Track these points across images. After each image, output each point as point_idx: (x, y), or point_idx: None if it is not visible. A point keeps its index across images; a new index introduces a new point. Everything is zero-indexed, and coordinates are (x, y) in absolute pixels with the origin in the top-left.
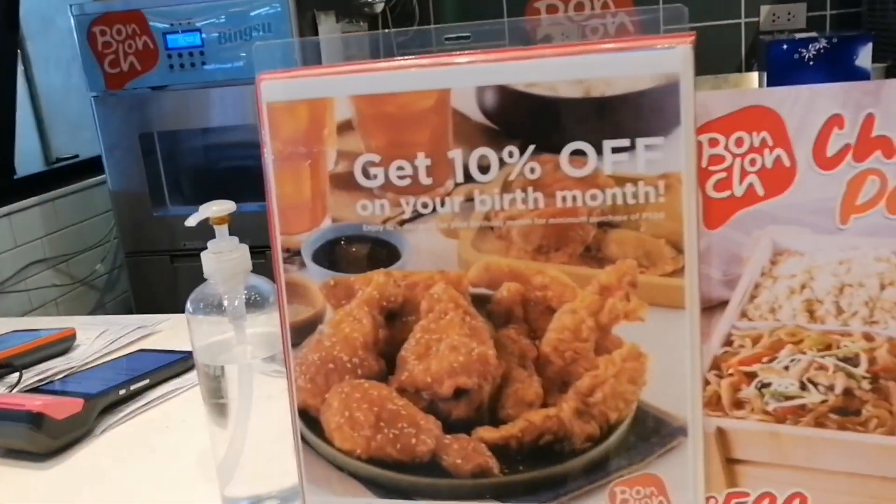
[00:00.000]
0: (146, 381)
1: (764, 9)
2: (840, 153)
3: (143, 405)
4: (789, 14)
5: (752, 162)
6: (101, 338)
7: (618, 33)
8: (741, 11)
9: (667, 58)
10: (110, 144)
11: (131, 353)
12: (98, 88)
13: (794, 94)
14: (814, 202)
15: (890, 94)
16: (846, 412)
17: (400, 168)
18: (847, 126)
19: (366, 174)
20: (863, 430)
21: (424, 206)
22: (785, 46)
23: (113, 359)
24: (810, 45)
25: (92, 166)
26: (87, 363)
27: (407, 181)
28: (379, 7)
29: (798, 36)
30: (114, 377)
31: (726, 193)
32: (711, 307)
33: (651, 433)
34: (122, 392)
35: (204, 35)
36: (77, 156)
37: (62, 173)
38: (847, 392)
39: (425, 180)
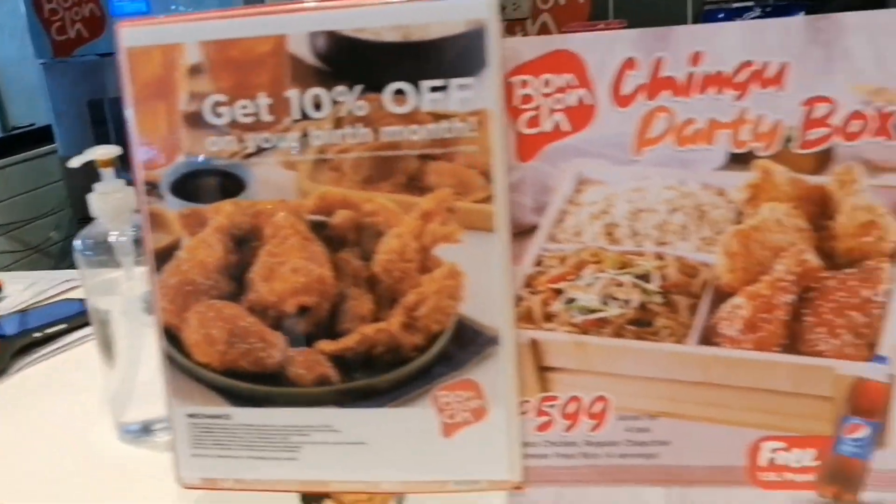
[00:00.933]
0: (64, 326)
1: None
2: (634, 92)
3: (59, 347)
4: None
5: (558, 101)
6: (28, 290)
7: (568, 2)
8: None
9: (474, 5)
10: (60, 112)
11: (55, 301)
12: (46, 56)
13: (595, 39)
14: (612, 136)
15: (678, 38)
16: (641, 323)
17: (244, 107)
18: (640, 67)
19: (214, 113)
20: (655, 339)
21: (266, 141)
22: (721, 15)
23: (35, 306)
24: (745, 14)
25: (47, 134)
26: (11, 311)
27: (250, 119)
28: None
29: (735, 5)
30: (32, 321)
31: (536, 130)
32: (524, 231)
33: (469, 343)
34: (37, 335)
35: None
36: (33, 124)
37: (16, 141)
38: (642, 306)
39: (266, 118)
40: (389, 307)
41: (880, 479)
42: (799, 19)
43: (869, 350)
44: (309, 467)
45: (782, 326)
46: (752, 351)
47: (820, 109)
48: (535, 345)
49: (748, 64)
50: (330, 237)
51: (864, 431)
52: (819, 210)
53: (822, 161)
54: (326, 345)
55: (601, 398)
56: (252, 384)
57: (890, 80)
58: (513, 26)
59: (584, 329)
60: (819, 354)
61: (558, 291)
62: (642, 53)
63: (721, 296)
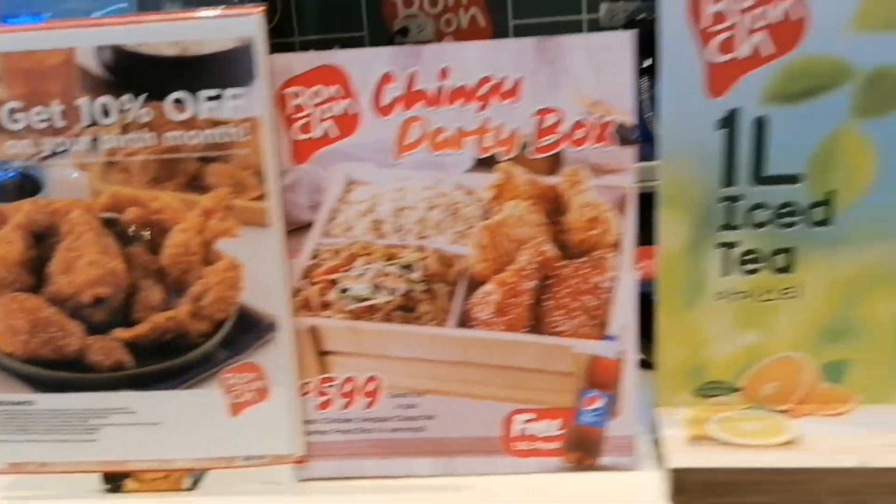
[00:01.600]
0: None
1: (603, 6)
2: (392, 103)
3: None
4: (625, 11)
5: (327, 110)
6: None
7: (470, 25)
8: (583, 9)
9: (243, 24)
10: None
11: None
12: None
13: (357, 55)
14: (375, 142)
15: (429, 55)
16: (406, 309)
17: (38, 114)
18: (397, 81)
19: (11, 119)
20: (419, 323)
21: (60, 145)
22: None
23: None
24: None
25: None
26: None
27: (45, 124)
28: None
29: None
30: None
31: (308, 136)
32: (301, 227)
33: (250, 329)
34: None
35: None
36: None
37: None
38: (406, 294)
39: (60, 124)
40: (178, 297)
41: (615, 444)
42: (529, 40)
43: (601, 330)
44: (108, 449)
45: (528, 310)
46: (503, 332)
47: (550, 119)
48: (313, 330)
49: (487, 79)
50: (121, 232)
51: (600, 403)
52: (554, 207)
53: (554, 164)
54: (121, 332)
55: (373, 378)
56: (53, 371)
57: (606, 94)
58: None
59: (356, 315)
60: (559, 334)
61: (333, 282)
62: (399, 69)
63: (474, 283)
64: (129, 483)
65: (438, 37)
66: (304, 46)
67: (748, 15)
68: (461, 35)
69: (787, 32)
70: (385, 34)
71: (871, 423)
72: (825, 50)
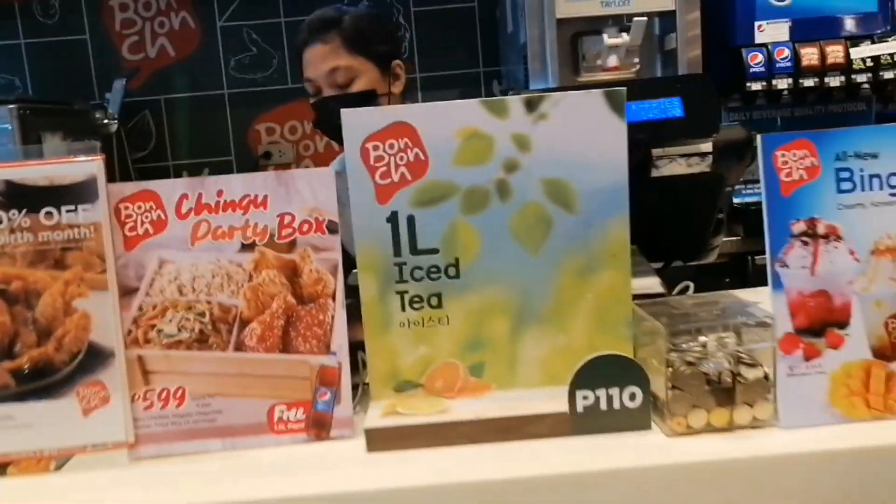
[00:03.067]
0: None
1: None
2: (188, 211)
3: None
4: None
5: (146, 219)
6: None
7: (325, 150)
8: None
9: (89, 166)
10: None
11: None
12: None
13: (165, 183)
14: (178, 236)
15: (210, 183)
16: (201, 341)
17: None
18: (190, 198)
19: None
20: (210, 350)
21: None
22: None
23: None
24: None
25: None
26: None
27: None
28: (113, 127)
29: None
30: None
31: (134, 233)
32: (131, 291)
33: (97, 358)
34: None
35: None
36: None
37: None
38: (200, 331)
39: None
40: (46, 338)
41: (339, 423)
42: (272, 173)
43: (327, 349)
44: None
45: (279, 339)
46: (264, 353)
47: (287, 219)
48: (139, 358)
49: (247, 196)
50: (8, 297)
51: (328, 396)
52: (292, 273)
53: (291, 246)
54: (7, 363)
55: (181, 388)
56: None
57: (319, 203)
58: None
59: (168, 347)
60: (300, 353)
61: (153, 325)
62: (191, 191)
63: (244, 323)
64: (11, 469)
65: (298, 159)
66: (178, 169)
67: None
68: (318, 158)
69: (418, 167)
70: (250, 158)
71: (498, 400)
72: (440, 177)
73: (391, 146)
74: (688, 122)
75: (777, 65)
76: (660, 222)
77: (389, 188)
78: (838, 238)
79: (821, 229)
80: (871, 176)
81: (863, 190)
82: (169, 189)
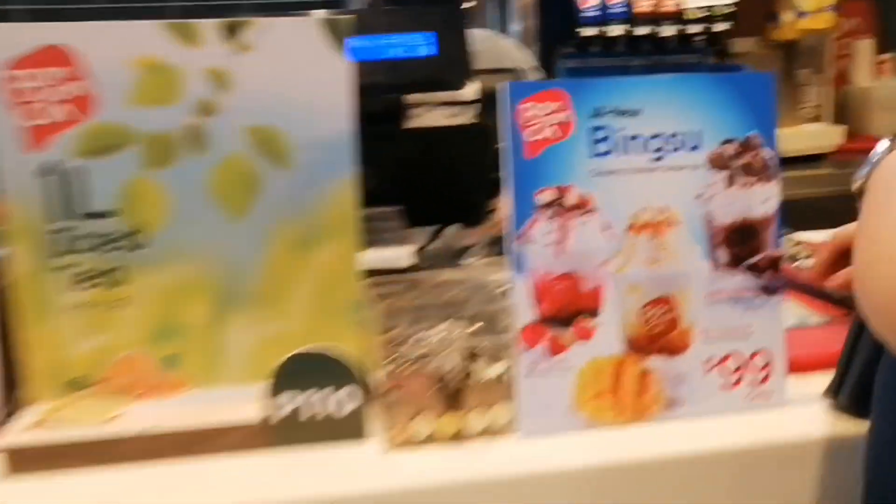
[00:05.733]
0: None
1: None
2: None
3: None
4: None
5: None
6: None
7: None
8: None
9: None
10: None
11: None
12: None
13: None
14: None
15: None
16: None
17: None
18: None
19: None
20: None
21: None
22: None
23: None
24: None
25: None
26: None
27: None
28: None
29: None
30: None
31: None
32: None
33: None
34: None
35: None
36: None
37: None
38: None
39: None
40: None
41: None
42: None
43: None
44: None
45: None
46: None
47: None
48: None
49: None
50: None
51: None
52: None
53: None
54: None
55: None
56: None
57: None
58: None
59: None
60: None
61: None
62: None
63: None
64: None
65: None
66: None
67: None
68: None
69: (82, 104)
70: None
71: (192, 402)
72: (113, 119)
73: (45, 76)
74: (438, 64)
75: (610, 10)
76: (422, 181)
77: (43, 130)
78: (591, 210)
79: (571, 199)
80: (631, 137)
81: (621, 153)
82: None
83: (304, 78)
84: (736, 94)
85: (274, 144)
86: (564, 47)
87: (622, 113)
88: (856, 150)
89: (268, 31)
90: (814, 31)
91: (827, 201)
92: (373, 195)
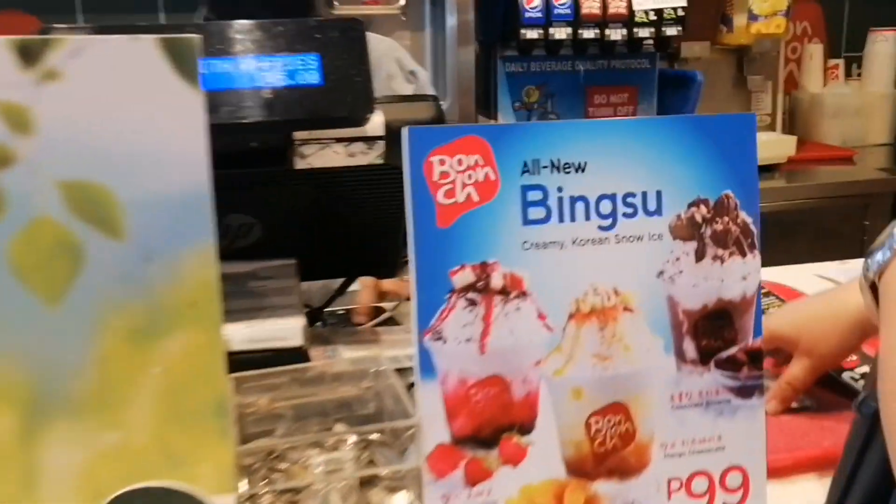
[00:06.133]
0: None
1: None
2: None
3: None
4: None
5: None
6: None
7: None
8: None
9: None
10: None
11: None
12: None
13: None
14: None
15: None
16: None
17: None
18: None
19: None
20: None
21: None
22: None
23: None
24: None
25: None
26: None
27: None
28: None
29: None
30: None
31: None
32: None
33: None
34: None
35: None
36: None
37: None
38: None
39: None
40: None
41: None
42: None
43: None
44: None
45: None
46: None
47: None
48: None
49: None
50: None
51: None
52: None
53: None
54: None
55: None
56: None
57: None
58: None
59: None
60: None
61: None
62: None
63: None
64: None
65: None
66: None
67: None
68: None
69: None
70: None
71: None
72: None
73: None
74: (326, 94)
75: (555, 11)
76: (322, 229)
77: None
78: (523, 294)
79: (496, 280)
80: (574, 199)
81: (561, 220)
82: None
83: (139, 116)
84: (706, 141)
85: (97, 205)
86: (505, 49)
87: (562, 168)
88: (806, 160)
89: (83, 54)
90: (767, 35)
91: (781, 215)
92: (258, 248)
